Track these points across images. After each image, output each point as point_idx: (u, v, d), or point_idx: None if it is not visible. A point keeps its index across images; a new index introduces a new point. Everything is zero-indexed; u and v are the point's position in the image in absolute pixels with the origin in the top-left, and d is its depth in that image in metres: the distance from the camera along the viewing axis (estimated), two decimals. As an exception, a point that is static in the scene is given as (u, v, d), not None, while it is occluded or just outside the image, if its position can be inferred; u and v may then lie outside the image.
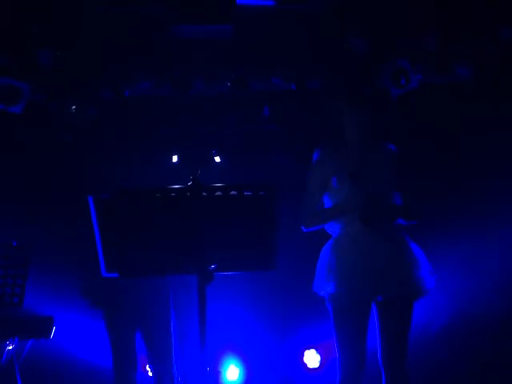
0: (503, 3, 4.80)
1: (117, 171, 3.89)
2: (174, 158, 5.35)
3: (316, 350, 5.56)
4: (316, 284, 3.27)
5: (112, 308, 3.63)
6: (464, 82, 5.09)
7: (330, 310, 3.23)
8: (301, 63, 5.13)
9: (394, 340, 3.17)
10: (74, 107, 5.22)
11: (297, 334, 5.54)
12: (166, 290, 3.65)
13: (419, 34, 4.95)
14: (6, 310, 3.90)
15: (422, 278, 3.16)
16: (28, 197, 5.16)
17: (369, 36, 4.97)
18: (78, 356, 5.24)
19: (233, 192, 2.40)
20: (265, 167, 5.48)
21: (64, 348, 5.16)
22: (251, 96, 5.33)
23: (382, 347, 3.19)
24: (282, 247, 2.59)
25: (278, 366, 5.54)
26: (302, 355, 5.58)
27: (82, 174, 4.95)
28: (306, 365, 5.57)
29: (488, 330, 5.24)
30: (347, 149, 3.28)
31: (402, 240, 3.23)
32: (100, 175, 4.14)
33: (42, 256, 4.54)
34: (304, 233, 3.45)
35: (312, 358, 5.56)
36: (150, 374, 4.06)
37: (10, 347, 3.99)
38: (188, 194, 2.40)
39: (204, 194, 2.40)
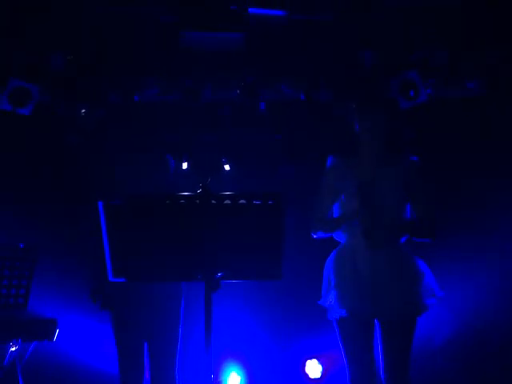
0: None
1: (125, 175, 3.89)
2: (184, 165, 5.36)
3: (318, 360, 5.55)
4: (322, 296, 3.28)
5: (122, 311, 3.57)
6: (474, 96, 5.10)
7: (334, 324, 3.21)
8: (310, 73, 5.15)
9: (395, 356, 3.14)
10: (83, 110, 5.24)
11: (299, 344, 5.52)
12: (179, 298, 3.62)
13: (430, 47, 4.96)
14: (10, 311, 3.90)
15: (422, 297, 3.13)
16: (35, 199, 5.18)
17: (379, 48, 4.99)
18: (81, 360, 5.23)
19: (242, 201, 2.40)
20: (272, 176, 5.48)
21: (67, 351, 5.16)
22: (260, 104, 5.34)
23: (383, 363, 3.17)
24: (287, 256, 2.60)
25: (280, 376, 5.52)
26: (304, 365, 5.56)
27: (89, 178, 4.97)
28: (307, 375, 5.55)
29: (491, 344, 5.23)
30: (360, 159, 3.26)
31: (404, 256, 3.19)
32: (107, 179, 4.15)
33: (48, 258, 4.55)
34: (309, 242, 3.46)
35: (314, 368, 5.55)
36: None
37: (13, 349, 4.00)
38: (197, 201, 2.40)
39: (213, 201, 2.40)
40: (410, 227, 3.23)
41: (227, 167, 5.43)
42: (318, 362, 5.55)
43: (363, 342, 3.12)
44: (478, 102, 5.09)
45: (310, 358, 5.56)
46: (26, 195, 5.14)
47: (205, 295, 2.42)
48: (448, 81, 5.07)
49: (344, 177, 3.20)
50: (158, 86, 5.22)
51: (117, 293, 3.51)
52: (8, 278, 3.83)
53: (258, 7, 4.56)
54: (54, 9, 4.70)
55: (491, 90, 5.02)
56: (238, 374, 5.48)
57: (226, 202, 2.41)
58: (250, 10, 4.46)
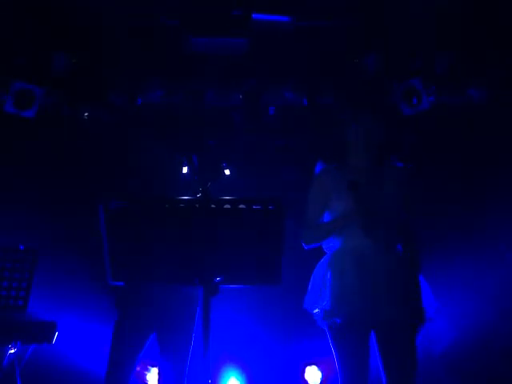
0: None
1: (125, 178, 3.89)
2: (184, 169, 5.36)
3: (317, 366, 5.53)
4: (308, 301, 3.13)
5: (128, 311, 3.51)
6: (477, 104, 5.10)
7: (326, 329, 3.09)
8: (313, 79, 5.15)
9: (400, 364, 2.98)
10: (86, 113, 5.25)
11: (298, 350, 5.51)
12: (193, 301, 3.56)
13: (433, 55, 4.97)
14: (9, 313, 3.90)
15: (424, 306, 3.03)
16: (36, 201, 5.18)
17: (382, 55, 4.99)
18: (79, 363, 5.22)
19: (242, 205, 2.40)
20: (273, 181, 5.48)
21: (66, 354, 5.15)
22: (262, 109, 5.35)
23: (386, 372, 3.01)
24: (288, 260, 2.58)
25: (279, 382, 5.51)
26: (303, 371, 5.54)
27: (90, 180, 4.98)
28: (307, 381, 5.54)
29: (490, 353, 5.21)
30: (351, 164, 3.18)
31: (404, 262, 3.09)
32: (109, 181, 4.16)
33: (48, 260, 4.55)
34: (309, 248, 3.42)
35: (313, 375, 5.53)
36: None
37: (12, 351, 3.99)
38: (197, 205, 2.40)
39: (213, 206, 2.40)
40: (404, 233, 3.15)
41: (227, 172, 5.43)
42: (318, 368, 5.53)
43: (360, 350, 3.00)
44: (480, 109, 5.09)
45: (310, 364, 5.54)
46: (26, 197, 5.15)
47: (203, 300, 2.41)
48: (450, 88, 5.07)
49: (335, 182, 3.12)
50: (162, 90, 5.24)
51: (130, 291, 3.44)
52: (8, 279, 3.83)
53: (262, 13, 4.57)
54: (57, 11, 4.71)
55: (493, 97, 5.03)
56: (238, 380, 5.47)
57: (225, 206, 2.41)
58: (253, 15, 4.48)
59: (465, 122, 5.16)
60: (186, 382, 3.52)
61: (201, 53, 4.76)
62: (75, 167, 5.25)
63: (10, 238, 4.52)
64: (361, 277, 3.00)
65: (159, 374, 3.54)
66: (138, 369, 3.98)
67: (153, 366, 5.12)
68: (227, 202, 2.41)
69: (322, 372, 5.52)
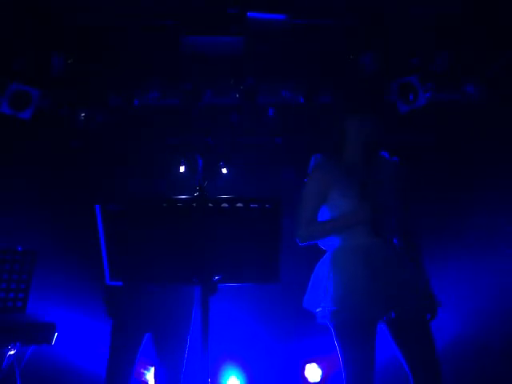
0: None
1: (124, 178, 3.89)
2: (181, 169, 5.36)
3: (317, 363, 5.54)
4: (309, 300, 3.08)
5: (124, 313, 3.52)
6: (474, 101, 5.10)
7: (331, 327, 3.02)
8: (310, 77, 5.15)
9: (424, 363, 2.92)
10: (82, 114, 5.25)
11: (298, 347, 5.51)
12: (189, 301, 3.57)
13: (430, 52, 4.97)
14: (8, 315, 3.90)
15: (434, 295, 3.00)
16: (34, 203, 5.19)
17: (379, 52, 4.99)
18: (79, 364, 5.23)
19: (239, 204, 2.40)
20: (270, 180, 5.49)
21: (65, 355, 5.16)
22: (259, 108, 5.35)
23: (411, 366, 2.94)
24: (287, 258, 2.58)
25: (279, 379, 5.51)
26: (303, 369, 5.55)
27: (88, 181, 4.98)
28: (306, 379, 5.54)
29: (491, 351, 5.21)
30: (349, 160, 3.14)
31: (408, 256, 3.07)
32: (107, 182, 4.15)
33: (47, 262, 4.55)
34: (308, 245, 3.38)
35: (313, 372, 5.54)
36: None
37: (12, 352, 3.99)
38: (194, 204, 2.40)
39: (210, 205, 2.40)
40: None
41: (224, 170, 5.44)
42: (318, 365, 5.54)
43: (368, 348, 2.92)
44: (477, 106, 5.10)
45: (310, 362, 5.55)
46: (24, 198, 5.15)
47: (201, 299, 2.41)
48: (447, 85, 5.08)
49: (334, 178, 3.06)
50: (159, 90, 5.23)
51: (122, 294, 3.46)
52: (7, 281, 3.83)
53: (257, 11, 4.56)
54: (54, 12, 4.71)
55: (490, 94, 5.04)
56: (238, 378, 5.48)
57: (223, 205, 2.41)
58: (248, 14, 4.47)
59: (461, 118, 5.17)
60: (183, 382, 3.53)
61: (197, 52, 4.76)
62: (73, 168, 5.25)
63: (8, 239, 4.52)
64: (369, 274, 2.93)
65: (155, 374, 3.55)
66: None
67: (152, 366, 5.13)
68: (225, 200, 2.41)
69: (321, 369, 5.53)
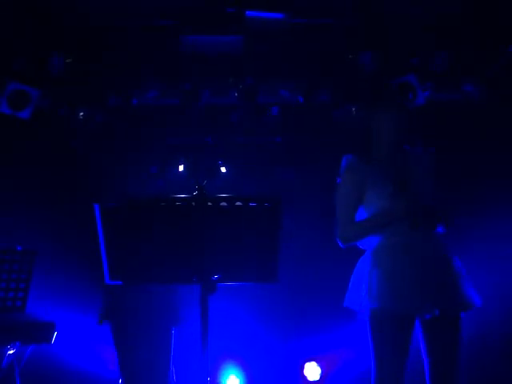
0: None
1: (123, 178, 3.91)
2: (181, 168, 5.37)
3: (317, 362, 5.54)
4: (350, 298, 3.04)
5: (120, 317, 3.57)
6: (473, 100, 5.10)
7: (368, 326, 2.98)
8: (309, 76, 5.16)
9: (447, 363, 2.95)
10: (81, 114, 5.25)
11: (297, 346, 5.52)
12: (172, 304, 3.61)
13: (429, 51, 4.97)
14: (8, 314, 3.91)
15: (470, 293, 2.98)
16: (33, 202, 5.19)
17: (378, 51, 5.00)
18: (78, 363, 5.23)
19: (238, 203, 2.40)
20: (269, 179, 5.49)
21: (65, 354, 5.16)
22: (259, 108, 5.36)
23: (431, 371, 2.96)
24: (285, 258, 2.59)
25: (278, 378, 5.52)
26: (303, 367, 5.56)
27: (87, 181, 4.98)
28: (306, 377, 5.55)
29: (491, 351, 5.21)
30: (380, 158, 3.13)
31: (448, 248, 3.04)
32: (106, 182, 4.16)
33: (47, 261, 4.55)
34: (307, 243, 3.39)
35: (312, 371, 5.54)
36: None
37: (11, 352, 4.00)
38: (193, 203, 2.41)
39: (209, 204, 2.40)
40: (443, 216, 3.07)
41: (223, 169, 5.44)
42: (317, 364, 5.54)
43: (406, 346, 2.92)
44: (476, 106, 5.10)
45: (309, 361, 5.55)
46: (23, 198, 5.15)
47: (201, 298, 2.42)
48: (446, 84, 5.08)
49: (367, 176, 3.04)
50: (158, 90, 5.24)
51: (115, 299, 3.51)
52: (6, 280, 3.83)
53: (256, 10, 4.57)
54: (53, 12, 4.71)
55: (489, 94, 5.04)
56: (237, 377, 5.48)
57: (222, 204, 2.41)
58: (247, 12, 4.47)
59: (460, 118, 5.17)
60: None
61: (196, 52, 4.76)
62: (72, 168, 5.25)
63: (7, 239, 4.52)
64: (408, 272, 2.92)
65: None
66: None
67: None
68: (224, 199, 2.41)
69: (321, 368, 5.54)
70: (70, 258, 4.94)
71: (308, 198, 5.26)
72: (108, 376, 4.95)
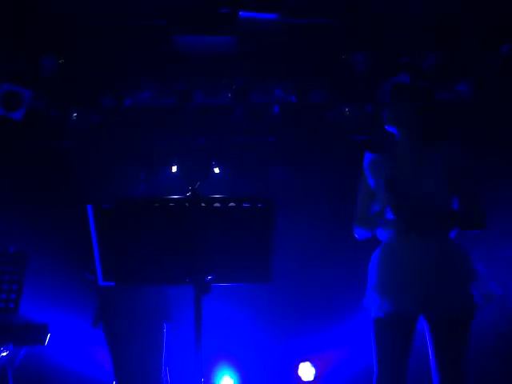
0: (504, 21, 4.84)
1: (116, 179, 3.90)
2: (174, 169, 5.36)
3: (311, 362, 5.54)
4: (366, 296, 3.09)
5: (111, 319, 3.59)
6: (467, 99, 5.11)
7: (371, 324, 3.01)
8: (302, 76, 5.16)
9: (450, 364, 2.93)
10: (74, 115, 5.24)
11: (292, 346, 5.52)
12: (162, 302, 3.63)
13: (423, 51, 4.99)
14: (1, 316, 3.89)
15: (474, 296, 2.92)
16: (26, 203, 5.17)
17: (372, 51, 5.00)
18: (72, 365, 5.22)
19: (231, 204, 2.40)
20: (263, 179, 5.49)
21: (58, 356, 5.15)
22: (252, 108, 5.36)
23: (435, 366, 2.95)
24: (279, 258, 2.59)
25: (273, 379, 5.52)
26: (297, 368, 5.56)
27: (80, 182, 4.97)
28: (300, 378, 5.55)
29: (489, 350, 5.22)
30: (397, 151, 3.12)
31: (455, 251, 3.00)
32: (99, 183, 4.14)
33: (39, 263, 4.53)
34: (301, 243, 3.38)
35: (307, 371, 5.54)
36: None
37: (4, 353, 3.98)
38: (186, 204, 2.40)
39: (202, 205, 2.40)
40: (457, 217, 3.04)
41: (217, 170, 5.44)
42: (311, 364, 5.54)
43: (403, 345, 2.95)
44: (470, 105, 5.11)
45: (303, 361, 5.56)
46: (16, 199, 5.13)
47: (194, 299, 2.41)
48: (440, 84, 5.09)
49: (381, 172, 3.05)
50: (151, 90, 5.23)
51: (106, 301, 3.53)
52: (-2, 282, 3.81)
53: (249, 11, 4.56)
54: (45, 13, 4.70)
55: (483, 93, 5.05)
56: (231, 377, 5.48)
57: (215, 205, 2.41)
58: (240, 13, 4.47)
59: (455, 117, 5.18)
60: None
61: (189, 52, 4.76)
62: (64, 168, 5.23)
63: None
64: (407, 267, 2.94)
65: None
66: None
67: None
68: (217, 200, 2.41)
69: (315, 368, 5.54)
70: (63, 259, 4.93)
71: (303, 198, 5.27)
72: (102, 377, 4.94)
